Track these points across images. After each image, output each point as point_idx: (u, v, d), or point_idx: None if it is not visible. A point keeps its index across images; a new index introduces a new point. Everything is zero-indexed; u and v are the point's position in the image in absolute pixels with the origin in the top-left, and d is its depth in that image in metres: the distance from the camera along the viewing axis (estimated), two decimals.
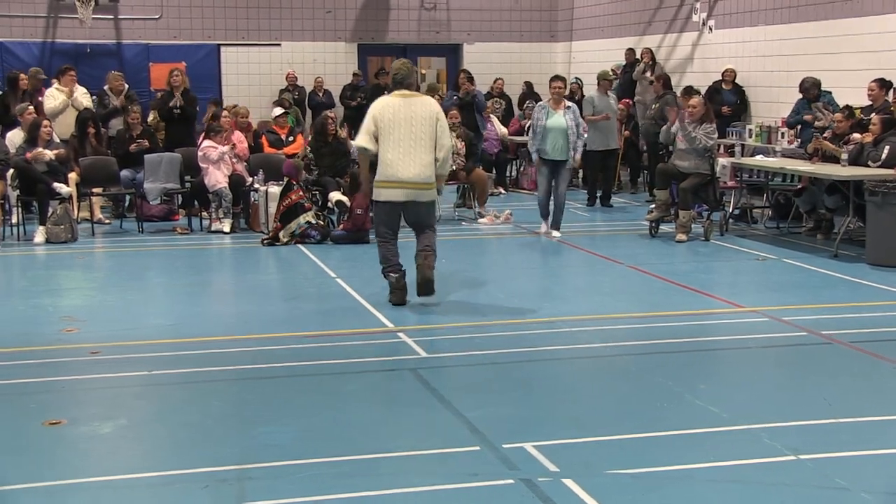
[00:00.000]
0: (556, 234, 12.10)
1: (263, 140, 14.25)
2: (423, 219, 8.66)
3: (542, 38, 22.69)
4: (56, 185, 11.93)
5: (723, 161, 12.58)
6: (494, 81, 19.32)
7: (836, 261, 10.51)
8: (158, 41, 20.26)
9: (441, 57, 23.11)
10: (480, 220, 13.31)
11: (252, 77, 20.63)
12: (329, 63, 21.33)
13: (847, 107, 12.22)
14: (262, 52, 20.98)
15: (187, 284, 9.91)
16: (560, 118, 11.94)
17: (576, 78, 19.30)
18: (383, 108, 8.53)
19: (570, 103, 12.25)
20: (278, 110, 15.43)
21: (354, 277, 9.88)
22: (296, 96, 19.44)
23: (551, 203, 12.21)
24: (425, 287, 8.59)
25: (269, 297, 9.27)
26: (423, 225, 8.68)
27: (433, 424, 5.85)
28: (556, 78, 12.35)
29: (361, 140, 8.57)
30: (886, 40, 13.31)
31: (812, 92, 13.28)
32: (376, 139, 8.46)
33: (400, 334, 7.79)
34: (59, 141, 12.78)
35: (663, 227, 12.16)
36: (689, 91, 13.03)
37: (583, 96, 18.10)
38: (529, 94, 19.57)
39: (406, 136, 8.41)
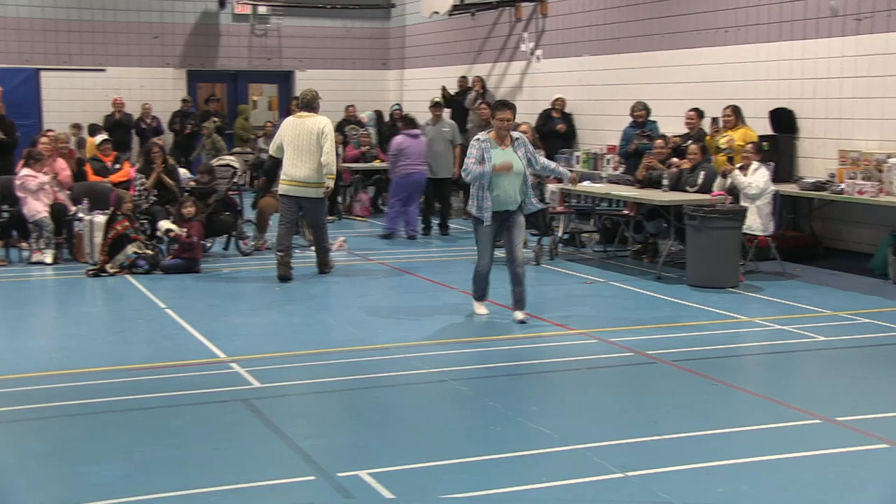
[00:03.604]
0: (521, 315, 9.04)
1: (87, 168, 13.81)
2: (314, 215, 11.31)
3: (374, 65, 22.86)
4: None
5: (552, 187, 12.89)
6: (346, 108, 19.35)
7: (659, 283, 10.90)
8: None
9: (273, 84, 22.98)
10: (313, 248, 13.21)
11: (75, 103, 20.00)
12: (157, 89, 20.93)
13: (663, 135, 12.81)
14: (86, 77, 20.41)
15: (5, 318, 9.49)
16: (513, 155, 8.93)
17: (397, 104, 19.50)
18: (286, 124, 11.28)
19: (517, 134, 9.21)
20: (101, 137, 15.00)
21: (185, 308, 9.67)
22: (118, 119, 18.93)
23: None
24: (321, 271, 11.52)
25: (94, 330, 8.97)
26: (315, 224, 11.44)
27: (267, 455, 5.76)
28: (505, 106, 9.03)
29: (271, 149, 11.48)
30: (702, 72, 13.97)
31: (639, 115, 13.73)
32: (282, 149, 11.10)
33: (232, 365, 7.65)
34: None
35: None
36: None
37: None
38: (380, 122, 19.67)
39: (297, 147, 10.95)
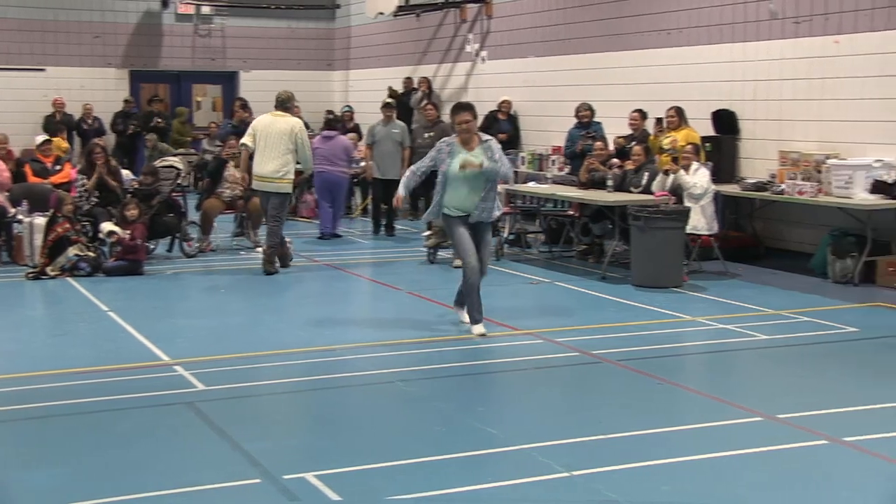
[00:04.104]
0: (476, 328, 8.58)
1: (27, 169, 13.60)
2: (274, 208, 11.60)
3: (319, 66, 22.76)
4: None
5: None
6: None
7: (604, 283, 10.98)
8: None
9: (217, 84, 22.78)
10: (258, 250, 13.13)
11: (14, 103, 19.64)
12: (98, 90, 20.65)
13: (604, 137, 12.97)
14: (25, 77, 20.07)
15: None
16: (479, 159, 8.45)
17: (348, 106, 19.44)
18: (260, 121, 11.86)
19: (486, 136, 8.67)
20: (41, 137, 14.77)
21: (128, 310, 9.55)
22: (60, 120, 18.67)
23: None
24: (266, 271, 11.57)
25: (35, 334, 8.84)
26: (272, 215, 11.61)
27: (212, 459, 5.71)
28: (462, 108, 8.58)
29: (244, 139, 11.84)
30: (645, 73, 14.10)
31: (584, 115, 13.80)
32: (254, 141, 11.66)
33: (176, 367, 7.58)
34: None
35: (441, 253, 12.37)
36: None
37: (356, 125, 18.27)
38: (334, 121, 19.58)
39: (268, 144, 11.52)
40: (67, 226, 11.35)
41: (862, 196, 10.79)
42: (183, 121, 20.71)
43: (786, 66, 12.20)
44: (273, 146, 11.51)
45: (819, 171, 11.30)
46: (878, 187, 10.76)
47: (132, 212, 11.62)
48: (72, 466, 5.56)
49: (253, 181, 11.77)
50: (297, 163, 11.81)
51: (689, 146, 11.62)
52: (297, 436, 6.20)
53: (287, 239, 13.00)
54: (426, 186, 14.34)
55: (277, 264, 11.66)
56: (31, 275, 11.15)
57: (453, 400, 6.86)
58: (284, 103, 11.92)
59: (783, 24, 12.20)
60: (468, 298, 8.62)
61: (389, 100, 15.48)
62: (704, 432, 6.16)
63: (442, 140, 8.77)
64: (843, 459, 5.73)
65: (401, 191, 8.86)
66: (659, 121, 12.94)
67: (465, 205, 8.47)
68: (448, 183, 8.48)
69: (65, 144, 14.47)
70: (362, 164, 15.47)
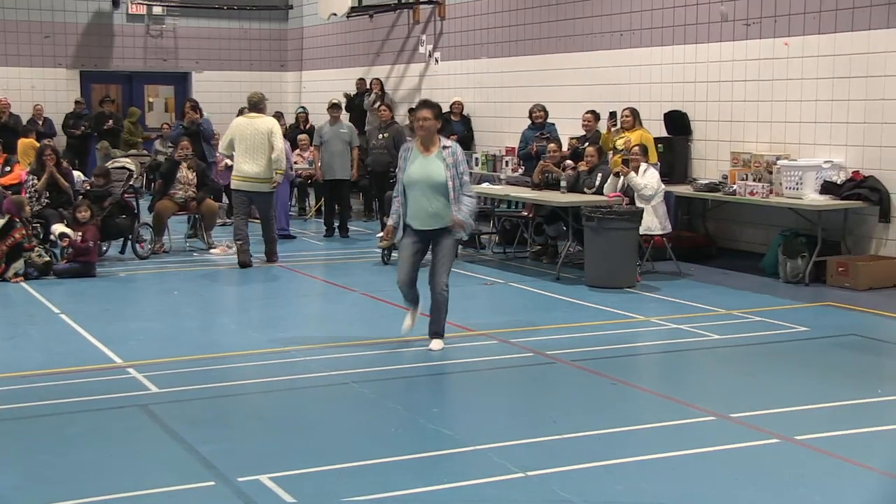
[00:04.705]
0: (435, 344, 8.12)
1: None
2: (263, 208, 12.19)
3: (272, 67, 22.67)
4: None
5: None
6: (242, 110, 19.07)
7: (558, 283, 11.03)
8: None
9: (169, 85, 22.60)
10: (212, 251, 13.07)
11: None
12: (49, 90, 20.43)
13: (557, 138, 13.02)
14: None
15: None
16: (434, 164, 7.84)
17: (301, 107, 19.37)
18: (237, 124, 12.24)
19: (448, 142, 7.97)
20: None
21: (80, 312, 9.45)
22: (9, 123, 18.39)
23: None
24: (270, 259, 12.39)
25: None
26: (264, 215, 12.22)
27: (165, 461, 5.67)
28: (423, 105, 8.03)
29: (221, 149, 12.55)
30: (598, 74, 14.19)
31: (538, 116, 13.85)
32: (233, 147, 12.08)
33: (129, 370, 7.51)
34: None
35: (396, 255, 12.33)
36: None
37: (312, 126, 18.21)
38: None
39: (249, 146, 11.93)
40: (24, 232, 11.14)
41: (812, 197, 10.93)
42: (134, 121, 20.51)
43: (737, 68, 12.34)
44: (256, 146, 11.91)
45: (770, 172, 11.44)
46: (828, 188, 10.92)
47: (84, 213, 11.48)
48: (23, 471, 5.49)
49: (235, 181, 12.09)
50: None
51: (636, 147, 11.69)
52: (251, 438, 6.16)
53: (229, 244, 12.92)
54: (381, 188, 14.39)
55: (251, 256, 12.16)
56: None
57: (408, 401, 6.86)
58: (258, 105, 12.30)
59: (734, 27, 12.34)
60: (405, 296, 8.23)
61: (336, 101, 15.42)
62: (658, 432, 6.20)
63: (403, 147, 8.17)
64: (795, 458, 5.80)
65: (390, 223, 8.15)
66: (612, 115, 12.97)
67: (421, 214, 7.87)
68: (405, 191, 7.92)
69: (37, 144, 14.32)
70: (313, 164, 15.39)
